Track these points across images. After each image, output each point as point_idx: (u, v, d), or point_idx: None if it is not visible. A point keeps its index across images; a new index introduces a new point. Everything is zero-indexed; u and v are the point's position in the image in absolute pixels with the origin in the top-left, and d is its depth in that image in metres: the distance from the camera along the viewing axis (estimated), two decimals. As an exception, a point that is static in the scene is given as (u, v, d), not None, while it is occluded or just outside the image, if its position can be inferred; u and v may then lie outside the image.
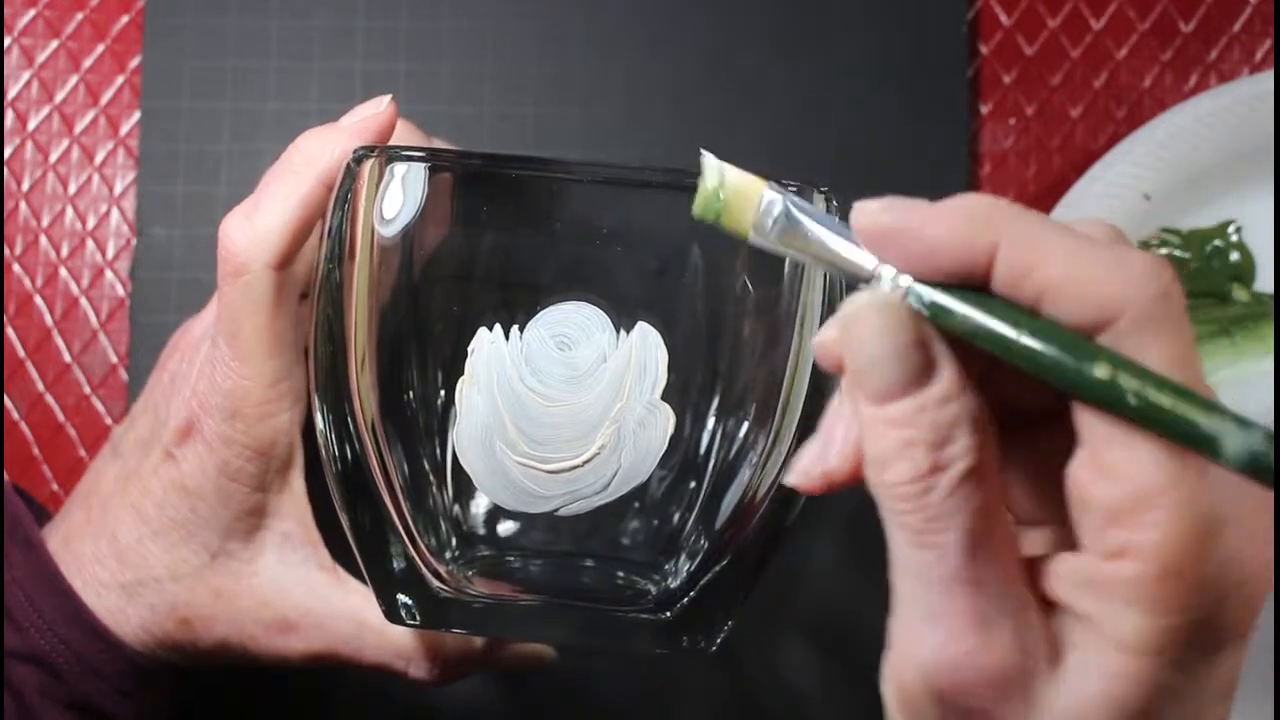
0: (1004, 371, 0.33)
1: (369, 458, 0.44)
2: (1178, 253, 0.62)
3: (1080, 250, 0.32)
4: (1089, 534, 0.32)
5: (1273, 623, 0.59)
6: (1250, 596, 0.32)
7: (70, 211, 0.63)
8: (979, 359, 0.33)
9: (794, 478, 0.36)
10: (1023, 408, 0.36)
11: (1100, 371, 0.31)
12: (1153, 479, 0.31)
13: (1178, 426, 0.30)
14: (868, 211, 0.34)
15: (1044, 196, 0.63)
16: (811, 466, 0.36)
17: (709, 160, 0.36)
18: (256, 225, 0.45)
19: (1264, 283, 0.62)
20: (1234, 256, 0.62)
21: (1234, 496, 0.31)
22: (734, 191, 0.35)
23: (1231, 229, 0.62)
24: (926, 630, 0.33)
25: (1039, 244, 0.32)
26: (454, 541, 0.45)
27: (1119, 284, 0.31)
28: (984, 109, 0.64)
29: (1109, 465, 0.31)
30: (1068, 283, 0.32)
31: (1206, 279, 0.62)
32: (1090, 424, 0.32)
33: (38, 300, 0.63)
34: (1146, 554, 0.31)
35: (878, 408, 0.33)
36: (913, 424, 0.32)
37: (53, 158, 0.64)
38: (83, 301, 0.63)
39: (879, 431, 0.33)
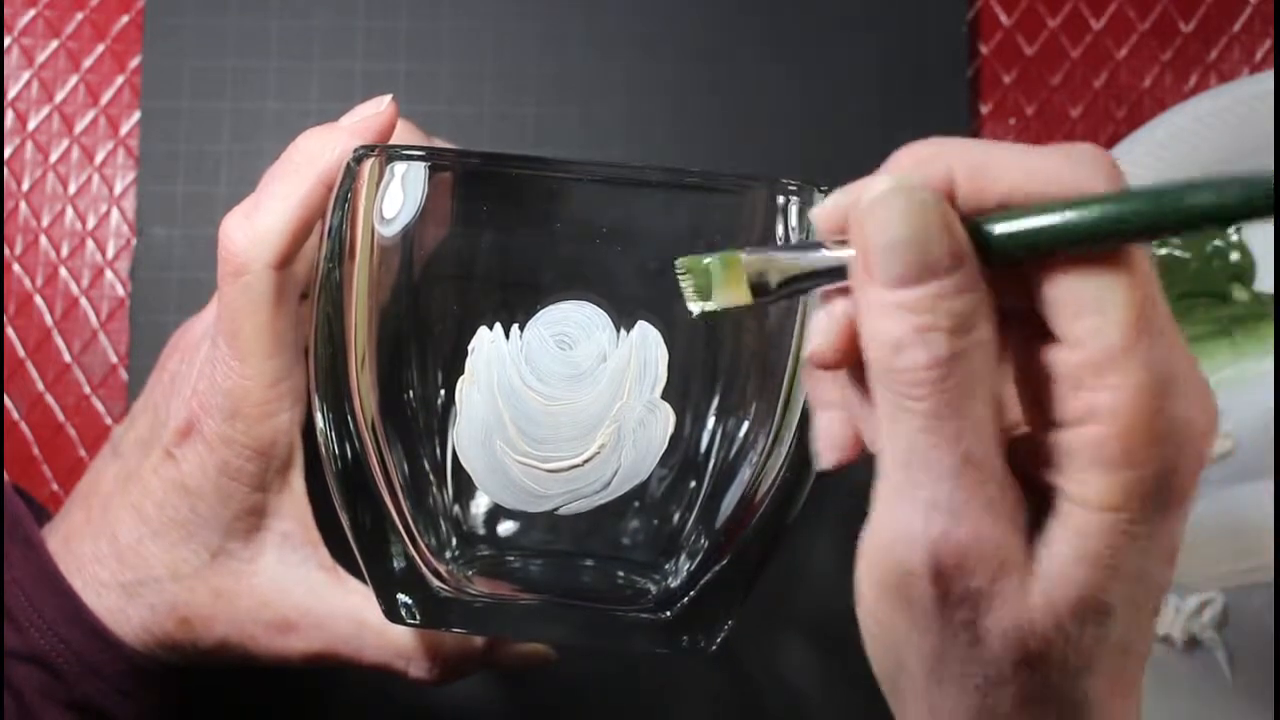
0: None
1: (369, 457, 0.44)
2: (1178, 253, 0.62)
3: (1027, 152, 0.34)
4: (1058, 404, 0.34)
5: (1273, 623, 0.59)
6: (1197, 454, 0.34)
7: (70, 211, 0.63)
8: None
9: (826, 457, 0.38)
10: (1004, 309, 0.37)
11: (1127, 203, 0.32)
12: (1110, 342, 0.33)
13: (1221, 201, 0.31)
14: (821, 210, 0.36)
15: (1044, 196, 0.63)
16: (838, 436, 0.38)
17: (683, 263, 0.37)
18: (257, 225, 0.45)
19: (1264, 283, 0.62)
20: (1234, 256, 0.62)
21: (1179, 358, 0.34)
22: (721, 275, 0.37)
23: (1231, 229, 0.62)
24: (930, 517, 0.34)
25: (991, 158, 0.34)
26: (454, 541, 0.45)
27: (1071, 168, 0.34)
28: (984, 109, 0.64)
29: (1073, 335, 0.33)
30: (1028, 178, 0.34)
31: (1206, 279, 0.62)
32: (1057, 303, 0.34)
33: (38, 300, 0.63)
34: (1107, 414, 0.33)
35: (894, 292, 0.34)
36: (930, 310, 0.33)
37: (53, 158, 0.64)
38: (83, 301, 0.63)
39: (893, 316, 0.34)
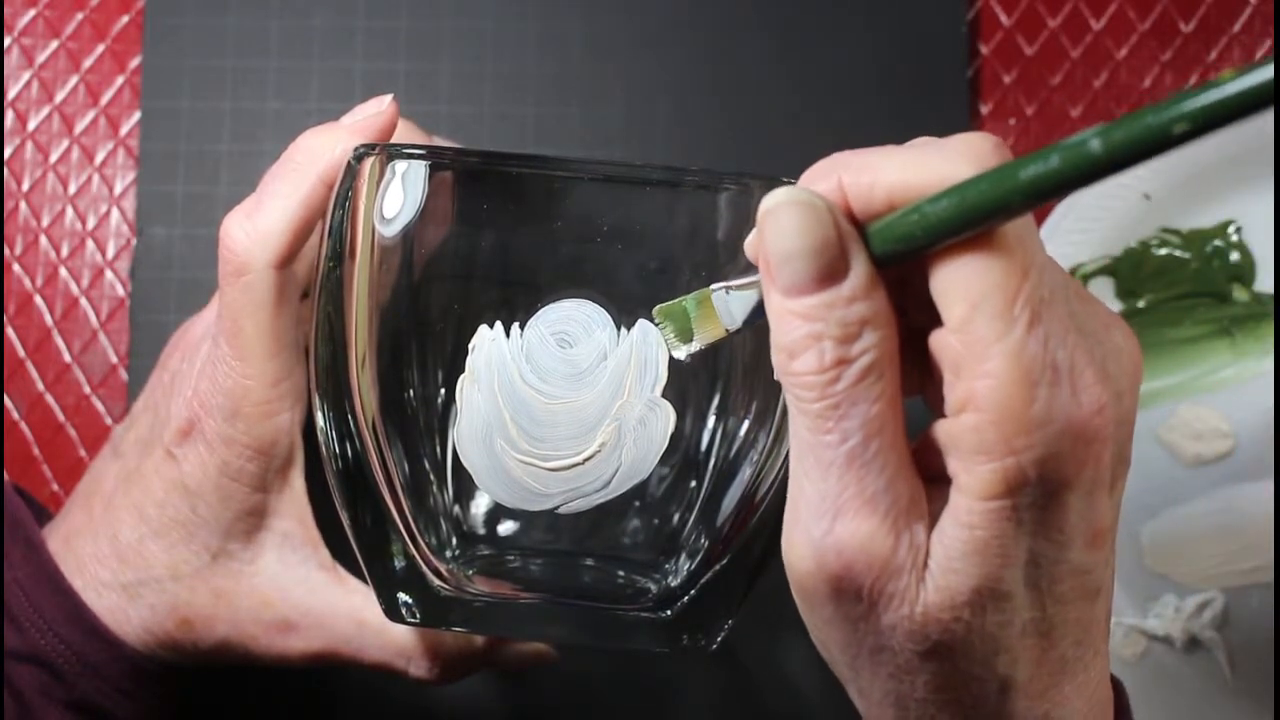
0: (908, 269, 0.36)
1: (369, 456, 0.44)
2: (1178, 253, 0.62)
3: (904, 151, 0.35)
4: (946, 393, 0.35)
5: (1273, 623, 0.59)
6: (1083, 439, 0.34)
7: (70, 211, 0.63)
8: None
9: None
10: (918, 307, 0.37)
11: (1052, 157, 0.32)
12: (988, 330, 0.33)
13: (1153, 132, 0.31)
14: (749, 241, 0.38)
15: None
16: None
17: (660, 311, 0.40)
18: (258, 224, 0.45)
19: (1264, 283, 0.62)
20: (1234, 256, 0.62)
21: (1069, 344, 0.34)
22: (697, 313, 0.39)
23: (1231, 229, 0.62)
24: (820, 514, 0.35)
25: (872, 162, 0.35)
26: (454, 540, 0.45)
27: (940, 160, 0.34)
28: (984, 109, 0.64)
29: (955, 322, 0.34)
30: (905, 177, 0.35)
31: (1206, 279, 0.62)
32: (938, 292, 0.35)
33: (38, 300, 0.63)
34: (982, 400, 0.34)
35: (789, 300, 0.35)
36: (822, 318, 0.35)
37: (53, 158, 0.64)
38: (83, 301, 0.63)
39: (789, 323, 0.35)
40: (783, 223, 0.35)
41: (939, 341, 0.35)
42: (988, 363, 0.34)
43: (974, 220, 0.33)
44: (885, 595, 0.35)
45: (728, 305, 0.39)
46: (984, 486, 0.34)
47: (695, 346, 0.39)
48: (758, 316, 0.38)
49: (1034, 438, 0.34)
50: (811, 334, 0.35)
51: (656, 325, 0.39)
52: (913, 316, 0.37)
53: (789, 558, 0.37)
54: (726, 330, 0.39)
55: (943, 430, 0.35)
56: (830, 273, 0.35)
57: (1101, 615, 0.38)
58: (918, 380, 0.38)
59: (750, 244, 0.38)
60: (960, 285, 0.34)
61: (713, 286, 0.39)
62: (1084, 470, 0.35)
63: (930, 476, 0.36)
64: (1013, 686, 0.37)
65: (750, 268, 0.38)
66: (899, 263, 0.35)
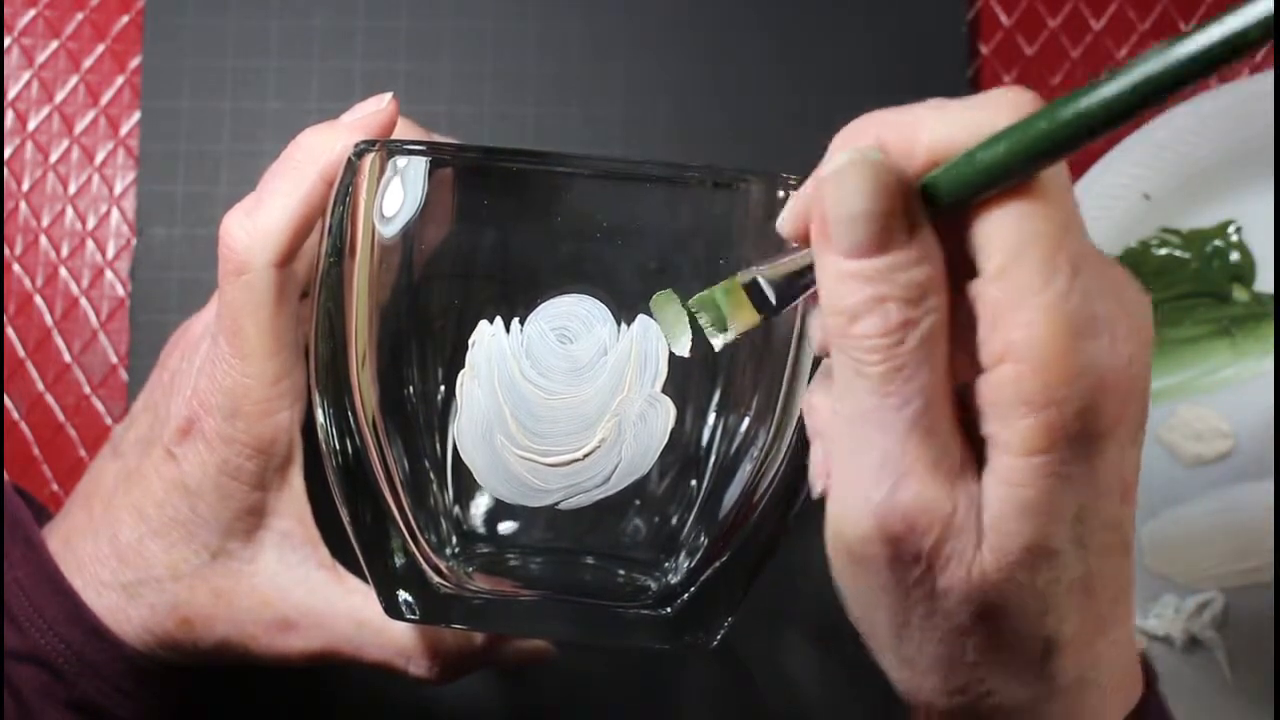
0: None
1: (369, 453, 0.44)
2: (1178, 253, 0.62)
3: (943, 106, 0.36)
4: (983, 347, 0.35)
5: (1273, 623, 0.59)
6: (1122, 390, 0.34)
7: (70, 211, 0.63)
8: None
9: (820, 485, 0.39)
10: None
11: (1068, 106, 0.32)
12: (1031, 279, 0.33)
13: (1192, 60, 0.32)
14: (782, 219, 0.38)
15: (1044, 196, 0.63)
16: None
17: (695, 302, 0.39)
18: (258, 223, 0.45)
19: (1264, 283, 0.62)
20: (1234, 256, 0.62)
21: (1103, 297, 0.34)
22: (727, 302, 0.39)
23: (1231, 229, 0.62)
24: (882, 478, 0.35)
25: (911, 119, 0.35)
26: (454, 538, 0.45)
27: (981, 112, 0.34)
28: (984, 109, 0.64)
29: (995, 272, 0.34)
30: (947, 130, 0.35)
31: (1206, 279, 0.62)
32: (979, 245, 0.34)
33: (38, 300, 0.63)
34: (1022, 350, 0.33)
35: (851, 262, 0.35)
36: (887, 280, 0.34)
37: (53, 158, 0.64)
38: (83, 301, 0.63)
39: (850, 286, 0.35)
40: (849, 183, 0.34)
41: (976, 292, 0.35)
42: (1027, 312, 0.33)
43: (1032, 160, 0.33)
44: (944, 557, 0.35)
45: (759, 291, 0.38)
46: (1027, 441, 0.34)
47: (730, 337, 0.39)
48: (791, 298, 0.38)
49: (1075, 388, 0.33)
50: (875, 296, 0.34)
51: (694, 314, 0.39)
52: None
53: (840, 526, 0.37)
54: (758, 318, 0.39)
55: (983, 385, 0.35)
56: (895, 234, 0.34)
57: (1132, 572, 0.38)
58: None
59: (786, 221, 0.38)
60: (1001, 234, 0.34)
61: (740, 275, 0.39)
62: (1119, 421, 0.35)
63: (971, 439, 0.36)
64: (1058, 645, 0.37)
65: (780, 252, 0.38)
66: (947, 216, 0.35)
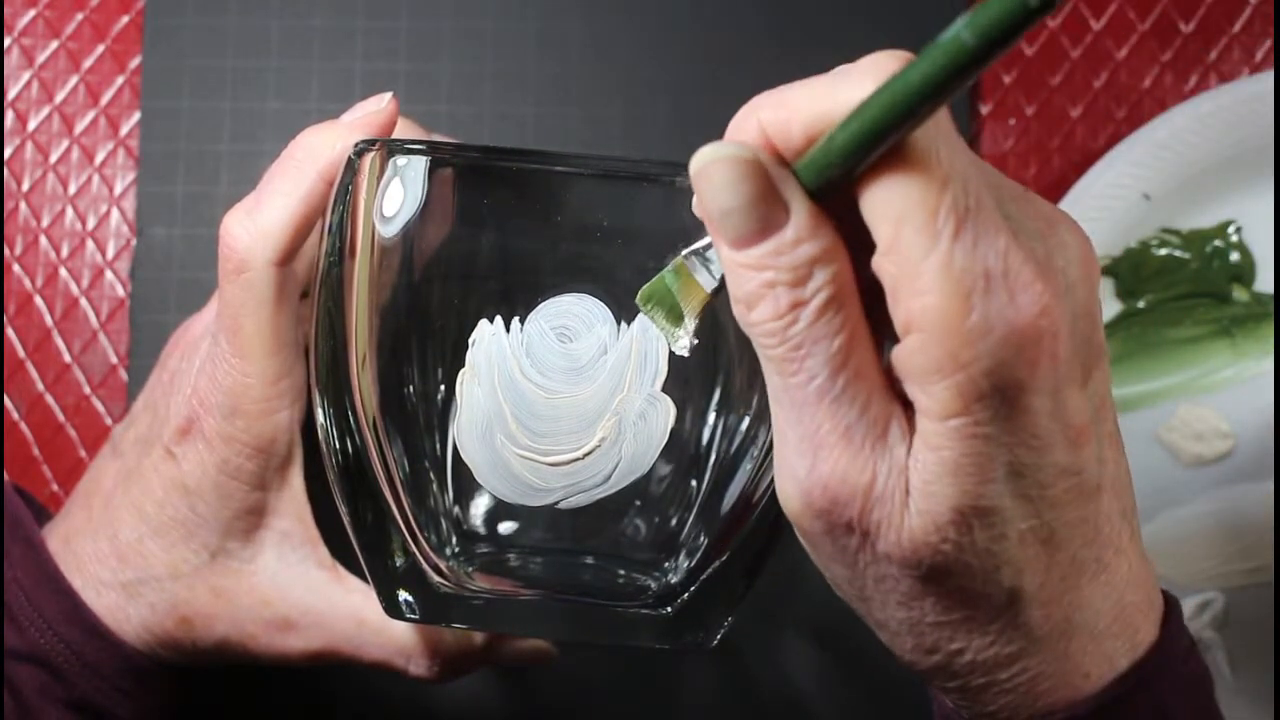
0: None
1: (370, 453, 0.44)
2: (1178, 253, 0.62)
3: (814, 81, 0.35)
4: (893, 320, 0.35)
5: (1273, 623, 0.59)
6: (1030, 340, 0.34)
7: (70, 211, 0.63)
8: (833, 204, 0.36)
9: None
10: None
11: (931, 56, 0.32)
12: (915, 247, 0.33)
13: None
14: (695, 207, 0.37)
15: (1044, 196, 0.63)
16: None
17: (643, 294, 0.40)
18: (258, 222, 0.45)
19: (1264, 283, 0.62)
20: (1234, 256, 0.62)
21: (990, 251, 0.34)
22: (677, 283, 0.39)
23: (1231, 229, 0.62)
24: (802, 453, 0.36)
25: (785, 99, 0.35)
26: (454, 538, 0.45)
27: (844, 83, 0.34)
28: (984, 109, 0.64)
29: (885, 245, 0.34)
30: (816, 106, 0.35)
31: (1206, 279, 0.62)
32: (874, 213, 0.34)
33: (38, 300, 0.63)
34: (921, 319, 0.34)
35: (737, 253, 0.35)
36: (771, 266, 0.35)
37: (53, 158, 0.64)
38: (83, 301, 0.63)
39: (741, 274, 0.35)
40: (715, 179, 0.35)
41: (877, 267, 0.35)
42: (919, 280, 0.33)
43: (878, 135, 0.33)
44: (874, 524, 0.36)
45: (703, 267, 0.39)
46: (941, 406, 0.34)
47: (691, 324, 0.39)
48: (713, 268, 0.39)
49: (978, 349, 0.33)
50: (764, 282, 0.35)
51: (646, 313, 0.40)
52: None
53: (783, 503, 0.37)
54: (707, 292, 0.39)
55: (896, 356, 0.35)
56: (771, 220, 0.35)
57: (1112, 511, 0.38)
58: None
59: (695, 206, 0.38)
60: (882, 207, 0.34)
61: (682, 253, 0.39)
62: (1038, 371, 0.34)
63: (907, 402, 0.36)
64: (1022, 596, 0.37)
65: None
66: (833, 194, 0.35)
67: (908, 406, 0.36)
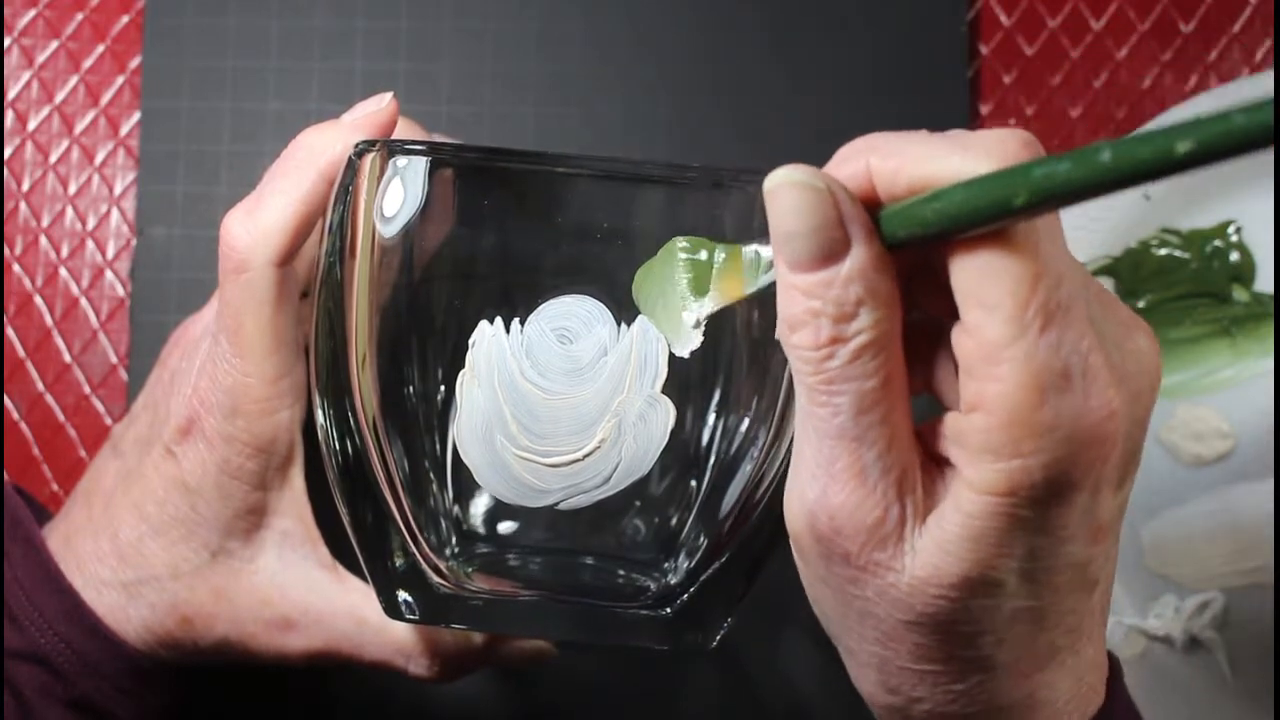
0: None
1: (370, 453, 0.44)
2: (1178, 253, 0.62)
3: (932, 140, 0.35)
4: (961, 389, 0.35)
5: (1273, 623, 0.59)
6: (1094, 444, 0.35)
7: (70, 211, 0.63)
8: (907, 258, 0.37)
9: None
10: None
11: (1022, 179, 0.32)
12: (1000, 335, 0.34)
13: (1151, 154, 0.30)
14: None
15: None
16: None
17: (685, 248, 0.40)
18: (259, 221, 0.45)
19: (1264, 283, 0.62)
20: (1234, 256, 0.62)
21: (1074, 349, 0.34)
22: (723, 266, 0.40)
23: (1231, 229, 0.62)
24: (814, 478, 0.36)
25: (899, 148, 0.35)
26: (454, 539, 0.45)
27: (961, 153, 0.34)
28: (984, 109, 0.64)
29: (970, 324, 0.34)
30: (926, 167, 0.35)
31: (1206, 279, 0.62)
32: (956, 290, 0.35)
33: (38, 300, 0.63)
34: (992, 404, 0.34)
35: (792, 275, 0.35)
36: (820, 296, 0.35)
37: (53, 158, 0.64)
38: (83, 301, 0.63)
39: (791, 296, 0.36)
40: (783, 202, 0.35)
41: (955, 339, 0.35)
42: (998, 366, 0.34)
43: (980, 217, 0.33)
44: (872, 563, 0.36)
45: (755, 265, 0.39)
46: (987, 483, 0.35)
47: (706, 308, 0.40)
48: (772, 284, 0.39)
49: (1041, 443, 0.34)
50: (810, 310, 0.35)
51: (681, 252, 0.40)
52: (932, 302, 0.38)
53: (787, 518, 0.38)
54: (743, 292, 0.39)
55: (952, 424, 0.36)
56: (829, 253, 0.35)
57: (1098, 605, 0.39)
58: (926, 373, 0.39)
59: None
60: (974, 288, 0.34)
61: (750, 246, 0.39)
62: (1090, 472, 0.35)
63: (939, 459, 0.37)
64: (995, 667, 0.38)
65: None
66: (913, 247, 0.35)
67: (934, 459, 0.37)
